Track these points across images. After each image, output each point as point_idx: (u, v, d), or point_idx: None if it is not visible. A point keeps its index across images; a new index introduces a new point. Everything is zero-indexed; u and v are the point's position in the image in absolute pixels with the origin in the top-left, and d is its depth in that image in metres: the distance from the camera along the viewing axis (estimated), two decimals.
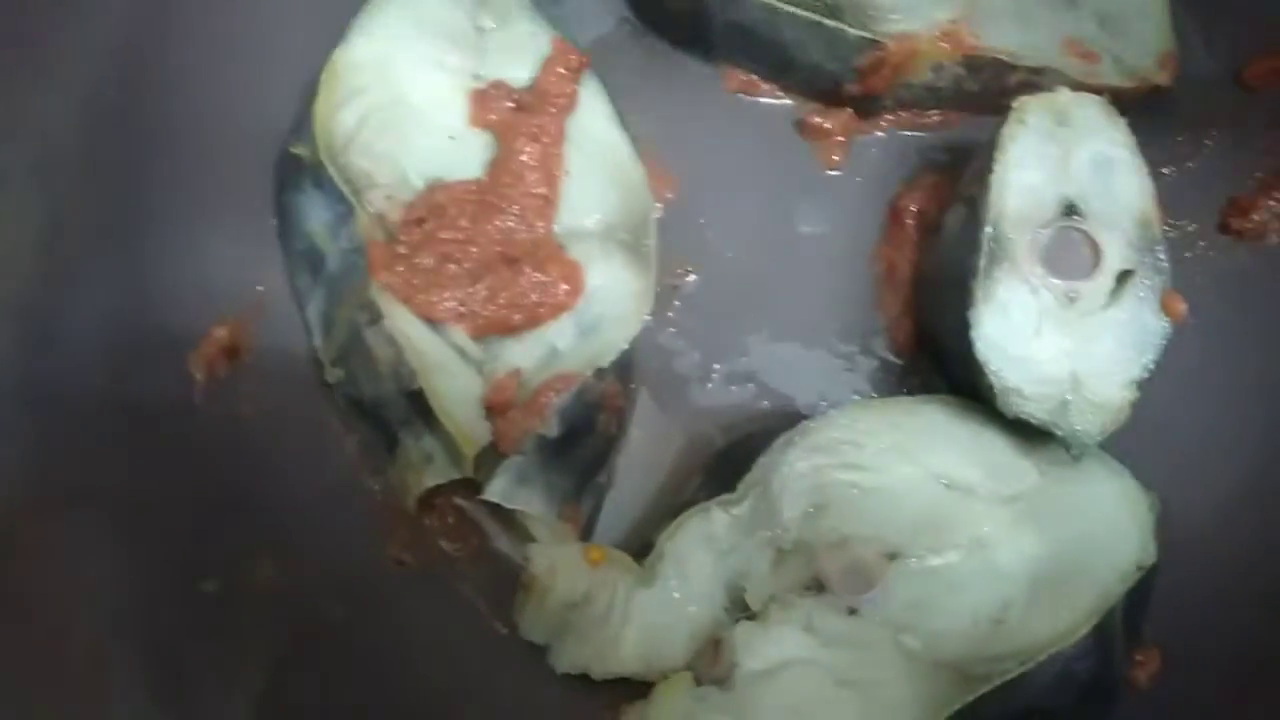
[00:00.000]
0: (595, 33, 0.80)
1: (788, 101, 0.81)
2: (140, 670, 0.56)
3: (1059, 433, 0.66)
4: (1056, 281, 0.68)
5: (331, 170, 0.68)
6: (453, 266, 0.67)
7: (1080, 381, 0.67)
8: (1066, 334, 0.67)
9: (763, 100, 0.81)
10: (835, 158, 0.80)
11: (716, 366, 0.76)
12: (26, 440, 0.56)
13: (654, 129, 0.77)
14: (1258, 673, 0.67)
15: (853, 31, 0.73)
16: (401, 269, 0.66)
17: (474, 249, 0.68)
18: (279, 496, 0.65)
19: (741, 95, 0.81)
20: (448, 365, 0.66)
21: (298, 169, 0.69)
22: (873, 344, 0.77)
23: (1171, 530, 0.66)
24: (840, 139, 0.80)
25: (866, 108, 0.79)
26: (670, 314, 0.77)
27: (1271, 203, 0.77)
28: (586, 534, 0.70)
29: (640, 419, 0.75)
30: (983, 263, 0.67)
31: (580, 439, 0.68)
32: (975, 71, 0.75)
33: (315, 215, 0.69)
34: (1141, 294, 0.68)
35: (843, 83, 0.77)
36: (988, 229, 0.67)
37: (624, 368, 0.71)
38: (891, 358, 0.76)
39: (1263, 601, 0.68)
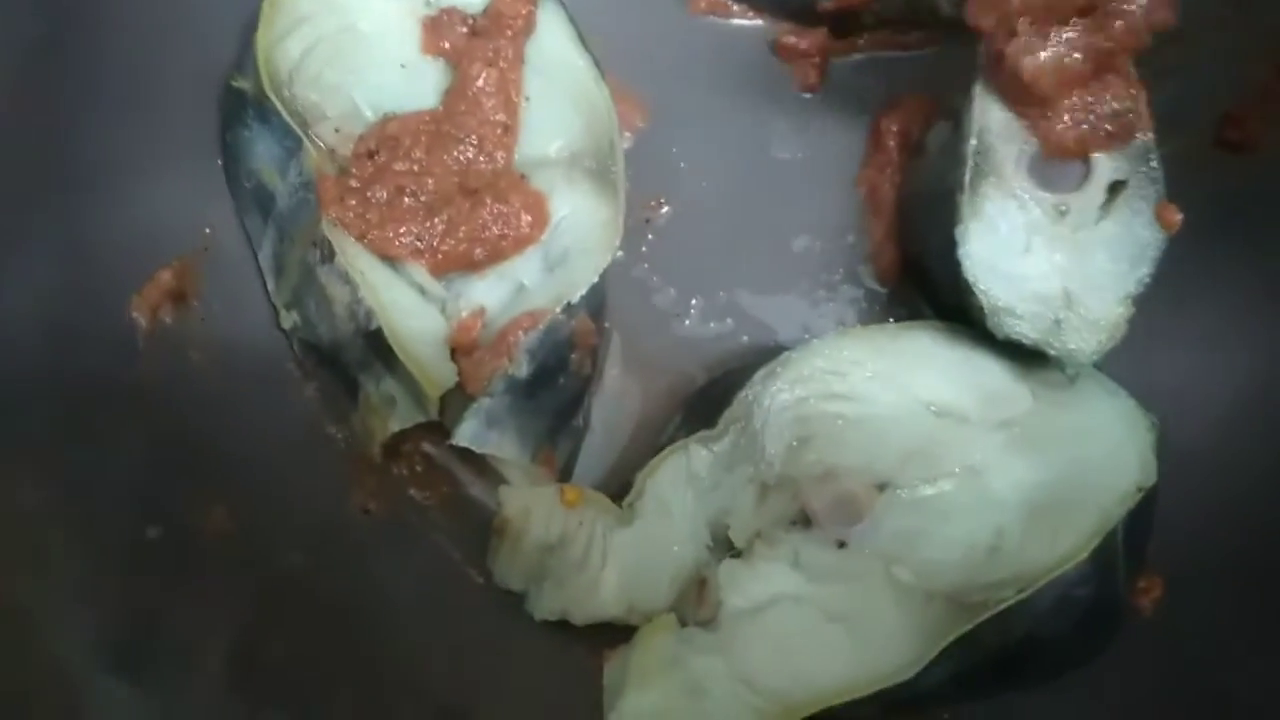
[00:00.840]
0: None
1: (760, 22, 0.78)
2: (101, 641, 0.53)
3: (1053, 353, 0.64)
4: (1045, 195, 0.65)
5: (277, 103, 0.64)
6: (408, 200, 0.64)
7: (1073, 298, 0.64)
8: (1058, 249, 0.64)
9: (734, 21, 0.78)
10: (812, 79, 0.77)
11: (694, 301, 0.73)
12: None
13: (620, 54, 0.74)
14: (1265, 597, 0.65)
15: None
16: (354, 203, 0.63)
17: (430, 181, 0.64)
18: (233, 446, 0.61)
19: (711, 16, 0.77)
20: (407, 304, 0.63)
21: (241, 104, 0.66)
22: (857, 272, 0.74)
23: (1172, 451, 0.63)
24: (816, 60, 0.77)
25: (843, 26, 0.76)
26: (644, 248, 0.74)
27: (1266, 114, 0.74)
28: (564, 478, 0.67)
29: (616, 358, 0.72)
30: (968, 177, 0.64)
31: (552, 379, 0.65)
32: None
33: (262, 151, 0.65)
34: (1135, 205, 0.65)
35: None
36: (972, 142, 0.64)
37: (596, 303, 0.68)
38: (876, 286, 0.74)
39: (1267, 520, 0.66)
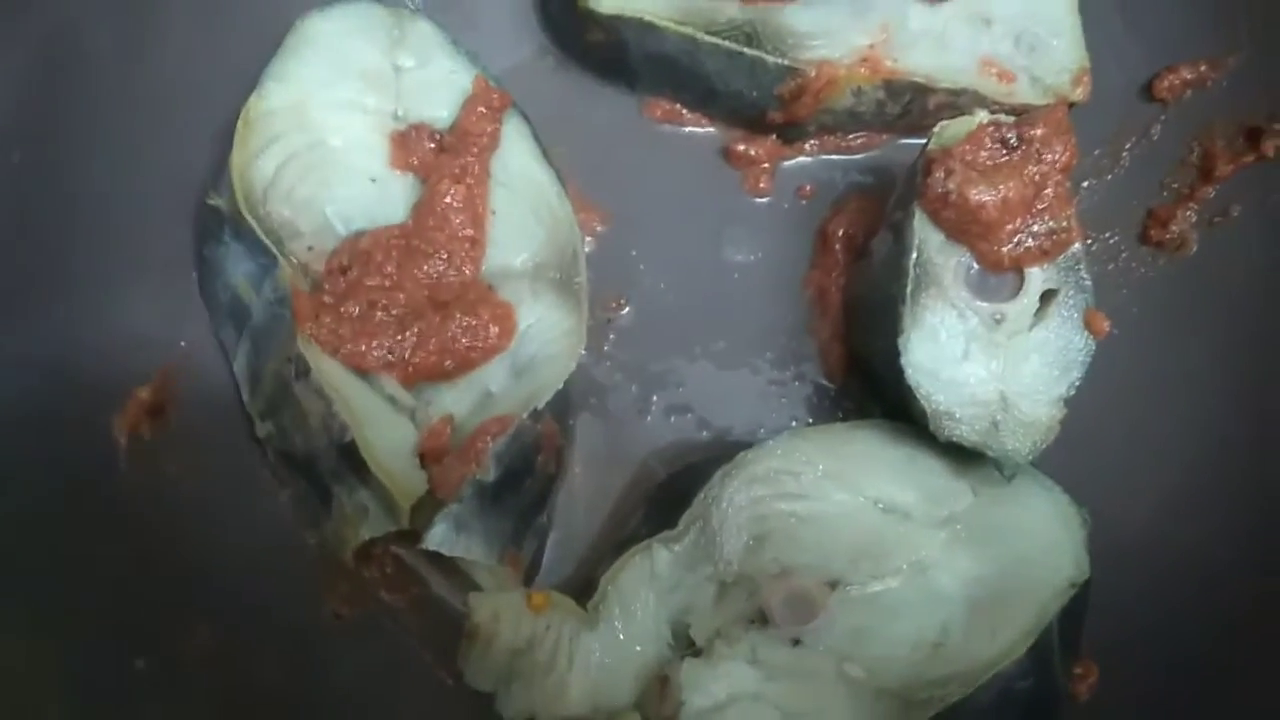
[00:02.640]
0: (514, 62, 0.80)
1: (712, 130, 0.81)
2: None
3: (991, 453, 0.67)
4: (982, 304, 0.69)
5: (252, 222, 0.66)
6: (380, 314, 0.66)
7: (1009, 402, 0.68)
8: (994, 356, 0.68)
9: (687, 129, 0.81)
10: (762, 184, 0.80)
11: (654, 399, 0.76)
12: None
13: (579, 162, 0.77)
14: (1193, 678, 0.69)
15: (772, 60, 0.74)
16: (328, 319, 0.65)
17: (401, 295, 0.67)
18: (211, 558, 0.63)
19: (666, 125, 0.81)
20: (379, 416, 0.65)
21: (217, 221, 0.68)
22: (805, 369, 0.77)
23: (1104, 543, 0.67)
24: (766, 165, 0.81)
25: (791, 134, 0.80)
26: (606, 348, 0.77)
27: (1188, 213, 0.79)
28: (530, 576, 0.70)
29: (580, 456, 0.75)
30: (910, 289, 0.67)
31: (519, 481, 0.68)
32: (895, 95, 0.76)
33: (237, 267, 0.68)
34: (1066, 313, 0.69)
35: (766, 110, 0.78)
36: (913, 255, 0.68)
37: (561, 406, 0.71)
38: (825, 382, 0.77)
39: (1194, 607, 0.70)
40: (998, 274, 0.69)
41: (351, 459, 0.64)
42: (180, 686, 0.58)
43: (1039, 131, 0.68)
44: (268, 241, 0.66)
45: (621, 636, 0.64)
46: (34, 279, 0.64)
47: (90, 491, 0.60)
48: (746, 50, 0.74)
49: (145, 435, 0.64)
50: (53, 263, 0.64)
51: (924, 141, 0.71)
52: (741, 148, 0.80)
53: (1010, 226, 0.68)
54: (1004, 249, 0.68)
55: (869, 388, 0.76)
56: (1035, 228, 0.68)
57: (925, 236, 0.68)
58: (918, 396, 0.67)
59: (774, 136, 0.80)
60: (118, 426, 0.63)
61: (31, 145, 0.62)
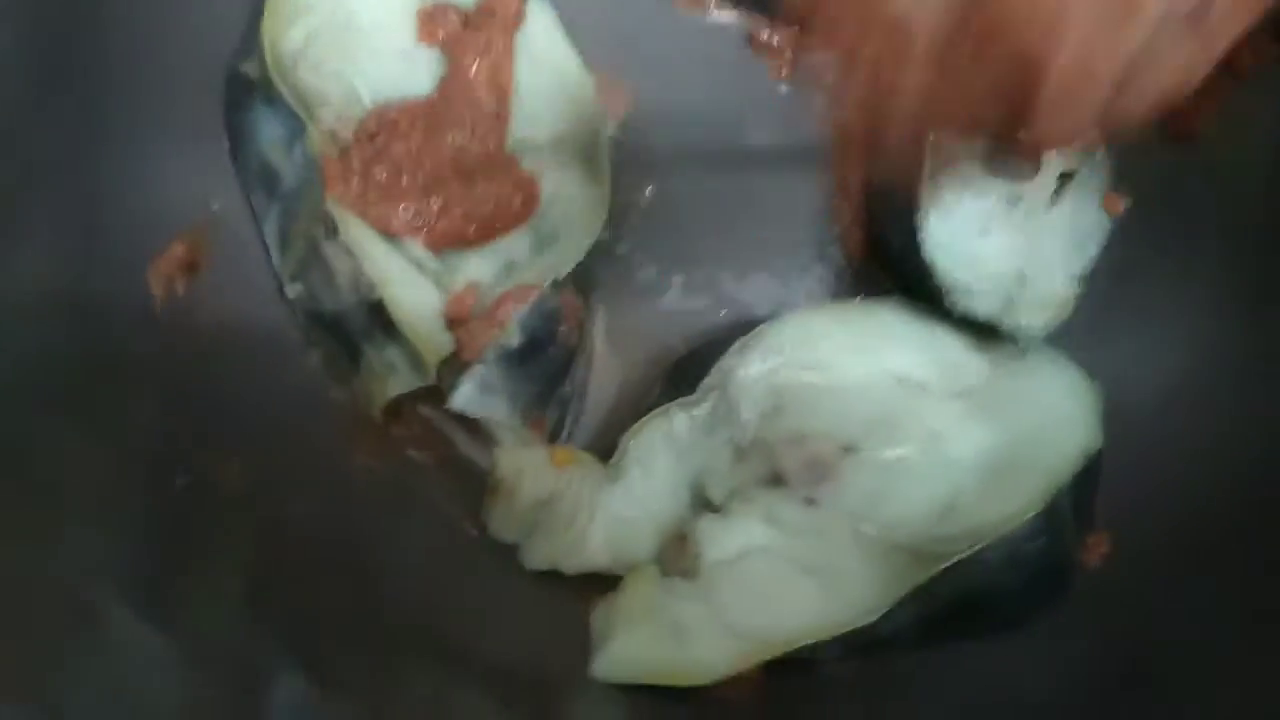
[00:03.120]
0: None
1: (736, 19, 0.82)
2: (125, 586, 0.56)
3: (1006, 328, 0.68)
4: (1000, 183, 0.69)
5: (282, 88, 0.67)
6: (406, 179, 0.67)
7: (1025, 278, 0.69)
8: (1012, 233, 0.69)
9: (712, 17, 0.82)
10: (785, 73, 0.81)
11: (675, 279, 0.77)
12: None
13: (605, 47, 0.77)
14: (1202, 552, 0.70)
15: None
16: (356, 182, 0.66)
17: (428, 163, 0.68)
18: (245, 408, 0.65)
19: (690, 12, 0.81)
20: (406, 277, 0.66)
21: (248, 87, 0.69)
22: (827, 252, 0.78)
23: (1116, 418, 0.68)
24: (789, 54, 0.81)
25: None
26: (626, 229, 0.77)
27: (1206, 104, 0.79)
28: (552, 441, 0.71)
29: (601, 331, 0.76)
30: (928, 168, 0.68)
31: (542, 349, 0.69)
32: None
33: (268, 133, 0.69)
34: (1082, 194, 0.70)
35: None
36: (931, 135, 0.68)
37: (583, 280, 0.72)
38: (845, 265, 0.78)
39: (1203, 484, 0.71)
40: (1016, 154, 0.70)
41: (379, 316, 0.65)
42: (214, 509, 0.60)
43: None
44: (298, 108, 0.67)
45: (641, 493, 0.66)
46: (67, 139, 0.64)
47: (130, 338, 0.62)
48: None
49: (180, 290, 0.66)
50: (86, 124, 0.65)
51: None
52: (765, 36, 0.80)
53: None
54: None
55: (888, 270, 0.77)
56: None
57: None
58: (935, 272, 0.68)
59: (798, 26, 0.80)
60: (153, 279, 0.64)
61: (67, 8, 0.62)
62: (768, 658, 0.60)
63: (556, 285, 0.68)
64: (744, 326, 0.75)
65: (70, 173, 0.65)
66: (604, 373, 0.75)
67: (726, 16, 0.82)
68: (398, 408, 0.69)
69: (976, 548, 0.62)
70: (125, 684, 0.52)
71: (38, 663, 0.50)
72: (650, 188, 0.79)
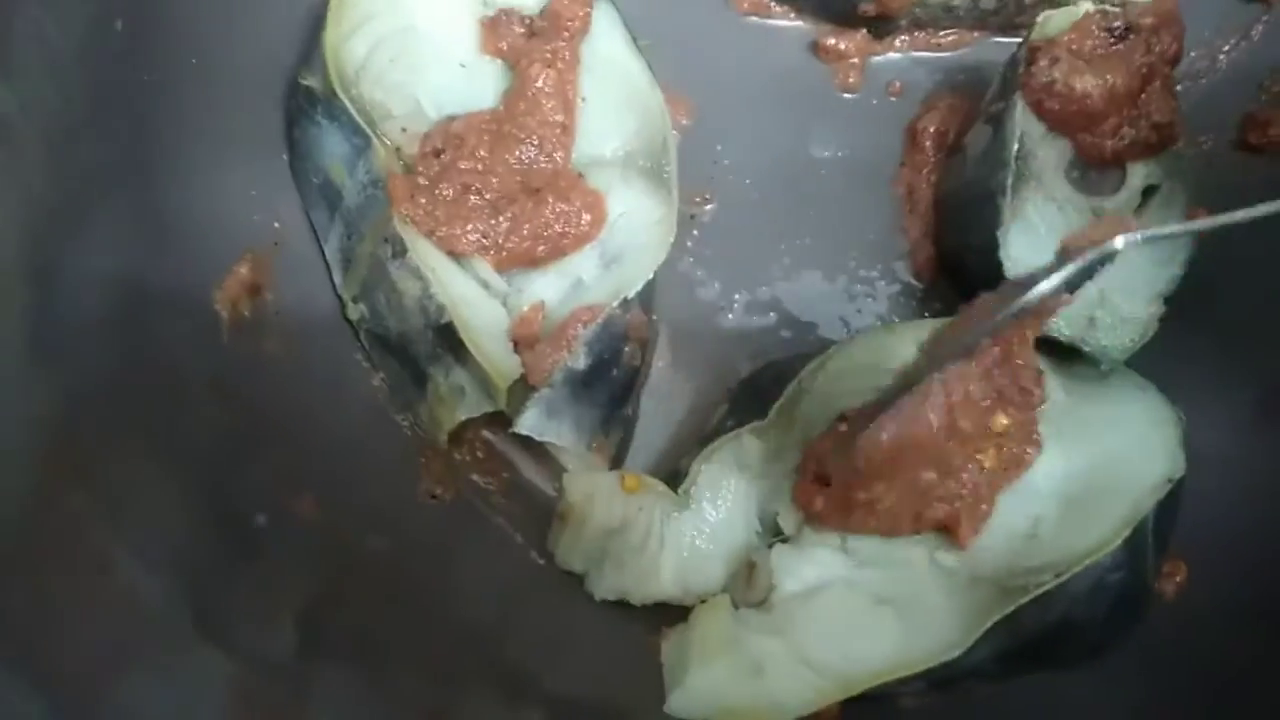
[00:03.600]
0: None
1: (800, 24, 0.80)
2: (183, 605, 0.55)
3: (1087, 349, 0.67)
4: (1082, 199, 0.68)
5: (345, 101, 0.66)
6: (474, 198, 0.66)
7: (1107, 297, 0.67)
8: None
9: (775, 22, 0.80)
10: (851, 80, 0.79)
11: (737, 295, 0.76)
12: (53, 391, 0.54)
13: (666, 53, 0.76)
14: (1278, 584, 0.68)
15: None
16: (423, 201, 0.65)
17: (494, 179, 0.67)
18: (311, 433, 0.64)
19: (754, 17, 0.80)
20: (475, 299, 0.65)
21: (310, 101, 0.68)
22: (894, 268, 0.76)
23: (1197, 443, 0.66)
24: (855, 61, 0.79)
25: (881, 29, 0.78)
26: (689, 243, 0.76)
27: None
28: (615, 465, 0.70)
29: (663, 349, 0.75)
30: (1010, 181, 0.66)
31: (607, 370, 0.68)
32: None
33: (330, 148, 0.67)
34: (1166, 209, 0.68)
35: (857, 3, 0.76)
36: (1015, 148, 0.67)
37: (647, 299, 0.70)
38: (913, 281, 0.76)
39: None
40: (1099, 168, 0.68)
41: (449, 340, 0.64)
42: (295, 544, 0.59)
43: (1148, 21, 0.66)
44: (362, 122, 0.66)
45: (711, 520, 0.65)
46: (132, 154, 0.63)
47: (199, 362, 0.61)
48: None
49: (245, 312, 0.64)
50: (151, 138, 0.64)
51: (1016, 40, 0.70)
52: (831, 41, 0.78)
53: (1115, 119, 0.66)
54: (1108, 141, 0.67)
55: (959, 287, 0.75)
56: (1140, 121, 0.67)
57: (1027, 128, 0.67)
58: None
59: (864, 31, 0.78)
60: (219, 301, 0.63)
61: (134, 12, 0.61)
62: (848, 696, 0.59)
63: (625, 305, 0.67)
64: (809, 345, 0.74)
65: (131, 184, 0.64)
66: (665, 393, 0.74)
67: (790, 22, 0.80)
68: (460, 433, 0.68)
69: (1061, 579, 0.60)
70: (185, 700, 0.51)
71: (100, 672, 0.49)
72: (711, 201, 0.77)
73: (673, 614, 0.65)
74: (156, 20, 0.63)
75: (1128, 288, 0.67)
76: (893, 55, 0.80)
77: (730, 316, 0.76)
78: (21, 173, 0.57)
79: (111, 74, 0.61)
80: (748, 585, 0.64)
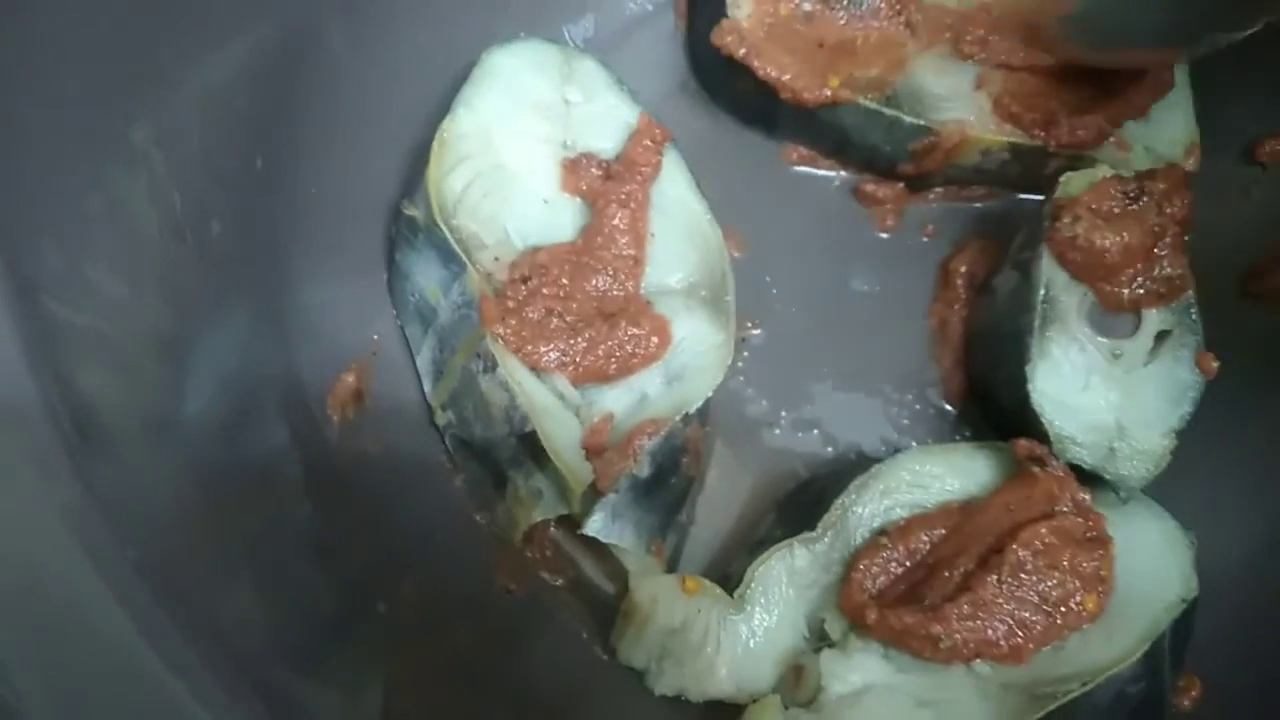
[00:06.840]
0: (661, 99, 0.87)
1: (844, 174, 0.88)
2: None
3: (1108, 476, 0.73)
4: (1103, 340, 0.75)
5: (444, 231, 0.73)
6: (556, 320, 0.73)
7: (1125, 430, 0.74)
8: (1112, 387, 0.74)
9: (821, 172, 0.88)
10: (889, 222, 0.87)
11: (784, 414, 0.83)
12: (184, 483, 0.58)
13: (722, 195, 0.84)
14: None
15: (909, 119, 0.80)
16: (513, 322, 0.72)
17: (574, 304, 0.74)
18: (406, 529, 0.70)
19: (801, 167, 0.88)
20: (555, 410, 0.72)
21: (411, 229, 0.75)
22: (928, 394, 0.83)
23: (1209, 565, 0.72)
24: (892, 206, 0.87)
25: (917, 184, 0.87)
26: (740, 364, 0.83)
27: None
28: (670, 567, 0.75)
29: (716, 461, 0.81)
30: (1037, 323, 0.74)
31: (666, 479, 0.74)
32: (1019, 156, 0.83)
33: (427, 271, 0.75)
34: (1178, 351, 0.75)
35: (898, 162, 0.84)
36: (1041, 292, 0.74)
37: (704, 413, 0.77)
38: (946, 406, 0.83)
39: None
40: (1117, 313, 0.75)
41: (531, 447, 0.70)
42: (407, 630, 0.65)
43: (1160, 186, 0.74)
44: (459, 250, 0.73)
45: (765, 624, 0.70)
46: (258, 267, 0.70)
47: (314, 462, 0.67)
48: (885, 110, 0.81)
49: (350, 416, 0.71)
50: (273, 260, 0.71)
51: (1039, 197, 0.78)
52: (871, 188, 0.87)
53: (1130, 270, 0.74)
54: (1124, 291, 0.74)
55: (987, 413, 0.82)
56: (1153, 273, 0.74)
57: (1052, 276, 0.75)
58: (1041, 421, 0.73)
59: (901, 184, 0.87)
60: (331, 406, 0.70)
61: (270, 150, 0.69)
62: None
63: (686, 419, 0.73)
64: (850, 463, 0.80)
65: (257, 294, 0.70)
66: (717, 502, 0.79)
67: (834, 170, 0.88)
68: (532, 533, 0.74)
69: (1088, 688, 0.65)
70: None
71: None
72: (760, 327, 0.84)
73: (726, 711, 0.70)
74: (287, 159, 0.71)
75: (1144, 422, 0.74)
76: (928, 203, 0.88)
77: (777, 432, 0.82)
78: (164, 269, 0.62)
79: (250, 201, 0.68)
80: (796, 686, 0.69)
